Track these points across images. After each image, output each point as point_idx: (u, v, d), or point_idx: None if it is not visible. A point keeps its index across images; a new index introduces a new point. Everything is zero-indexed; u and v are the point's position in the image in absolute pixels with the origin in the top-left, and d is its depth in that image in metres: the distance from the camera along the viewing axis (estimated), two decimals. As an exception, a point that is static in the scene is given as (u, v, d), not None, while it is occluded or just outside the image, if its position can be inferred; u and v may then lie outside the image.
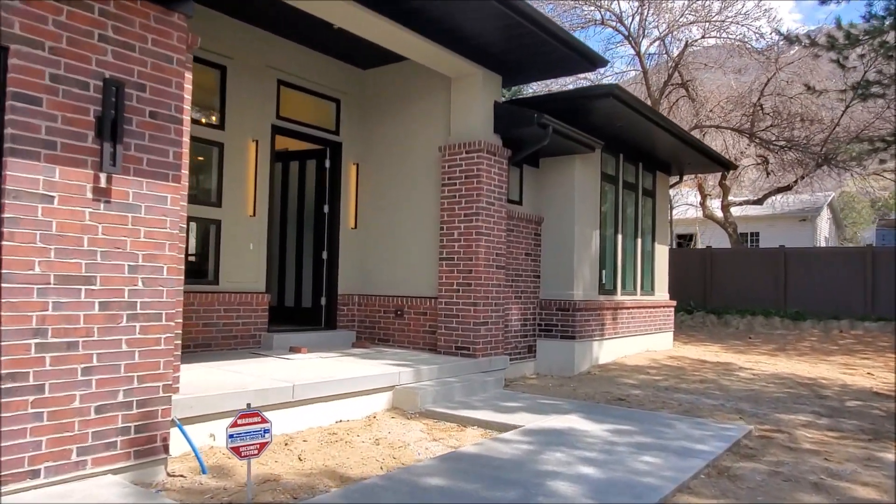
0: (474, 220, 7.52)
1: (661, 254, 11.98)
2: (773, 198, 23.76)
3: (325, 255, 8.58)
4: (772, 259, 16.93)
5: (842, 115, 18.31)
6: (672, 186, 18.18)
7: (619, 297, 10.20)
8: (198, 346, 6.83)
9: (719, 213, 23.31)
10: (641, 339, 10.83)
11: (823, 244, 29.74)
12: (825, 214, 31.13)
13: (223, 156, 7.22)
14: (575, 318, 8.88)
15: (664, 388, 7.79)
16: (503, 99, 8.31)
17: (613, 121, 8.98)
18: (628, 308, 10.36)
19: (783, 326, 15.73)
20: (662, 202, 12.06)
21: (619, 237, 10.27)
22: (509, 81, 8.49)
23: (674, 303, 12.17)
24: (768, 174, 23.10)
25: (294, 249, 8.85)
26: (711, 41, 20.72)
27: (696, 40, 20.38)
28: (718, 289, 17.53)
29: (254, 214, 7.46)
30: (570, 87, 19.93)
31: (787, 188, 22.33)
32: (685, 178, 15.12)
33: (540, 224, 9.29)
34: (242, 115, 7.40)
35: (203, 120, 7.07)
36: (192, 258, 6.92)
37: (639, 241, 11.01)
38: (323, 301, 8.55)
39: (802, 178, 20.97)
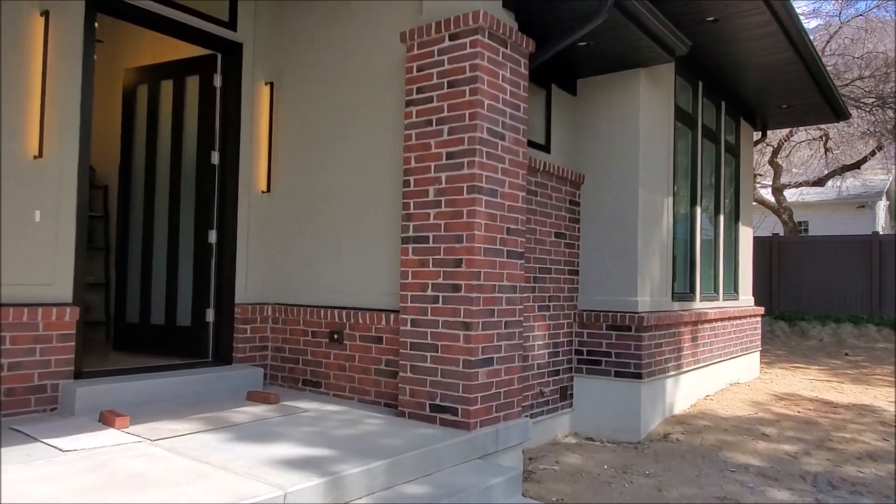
0: (466, 167, 3.93)
1: (746, 240, 8.33)
2: (830, 181, 20.00)
3: (212, 237, 5.02)
4: (860, 249, 13.20)
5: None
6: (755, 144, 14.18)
7: (698, 304, 6.56)
8: None
9: (769, 197, 19.60)
10: (725, 367, 7.19)
11: (881, 235, 25.81)
12: (882, 202, 27.23)
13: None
14: (640, 343, 5.27)
15: (827, 483, 4.17)
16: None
17: (703, 15, 5.36)
18: (711, 321, 6.73)
19: (883, 338, 12.01)
20: (746, 166, 8.40)
21: (698, 213, 6.64)
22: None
23: (761, 310, 8.52)
24: (827, 150, 19.38)
25: (162, 228, 5.28)
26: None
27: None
28: (788, 288, 13.84)
29: (40, 155, 3.89)
30: None
31: (856, 166, 18.53)
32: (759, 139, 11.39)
33: (578, 186, 5.68)
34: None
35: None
36: None
37: (721, 219, 7.36)
38: (210, 316, 4.99)
39: (880, 149, 17.19)
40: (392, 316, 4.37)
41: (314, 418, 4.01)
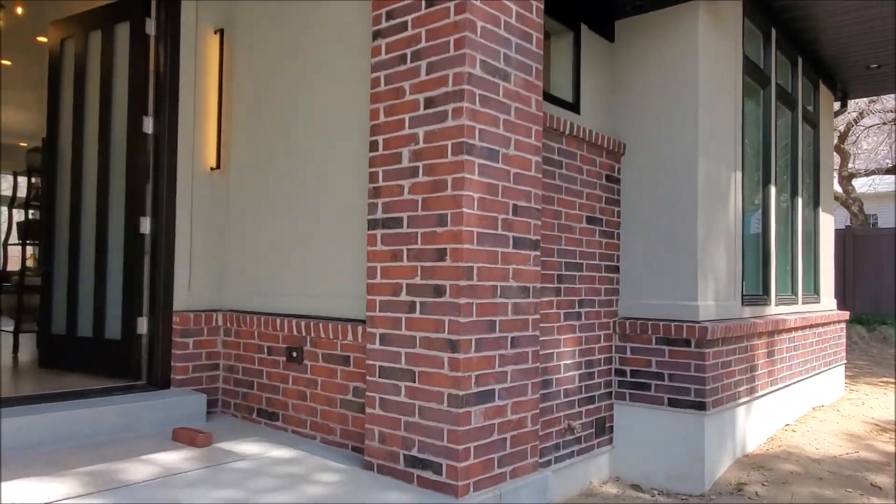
0: (450, 117, 2.73)
1: (827, 230, 6.89)
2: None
3: (145, 225, 3.94)
4: (951, 243, 11.46)
5: None
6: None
7: (773, 309, 5.20)
8: None
9: (836, 187, 17.76)
10: (807, 387, 5.80)
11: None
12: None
13: None
14: (703, 361, 3.97)
15: None
16: None
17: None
18: (790, 330, 5.36)
19: (985, 346, 10.29)
20: (826, 140, 6.96)
21: (772, 193, 5.27)
22: None
23: (845, 315, 7.04)
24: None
25: (90, 215, 4.23)
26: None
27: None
28: (864, 287, 12.19)
29: None
30: None
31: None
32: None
33: (618, 156, 4.41)
34: None
35: None
36: None
37: (799, 203, 5.97)
38: (143, 327, 3.91)
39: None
40: (361, 328, 3.21)
41: (246, 473, 2.87)
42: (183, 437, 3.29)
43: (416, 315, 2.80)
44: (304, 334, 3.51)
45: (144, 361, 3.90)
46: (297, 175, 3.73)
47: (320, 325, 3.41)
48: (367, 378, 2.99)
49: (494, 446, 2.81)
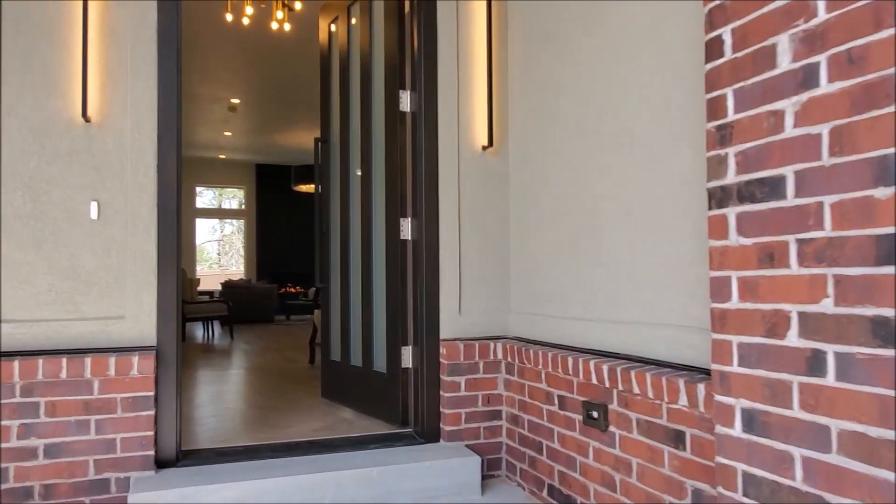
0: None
1: None
2: None
3: (406, 229, 3.09)
4: None
5: None
6: None
7: None
8: None
9: None
10: None
11: None
12: None
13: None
14: None
15: None
16: None
17: None
18: None
19: None
20: None
21: None
22: None
23: None
24: None
25: (356, 219, 3.56)
26: None
27: None
28: None
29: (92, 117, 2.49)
30: None
31: None
32: None
33: None
34: None
35: None
36: None
37: None
38: (408, 359, 3.07)
39: None
40: (703, 388, 1.79)
41: None
42: (436, 528, 2.28)
43: (829, 381, 1.29)
44: (607, 385, 2.21)
45: (413, 403, 3.05)
46: (602, 153, 2.46)
47: (632, 373, 2.07)
48: (720, 489, 1.56)
49: None
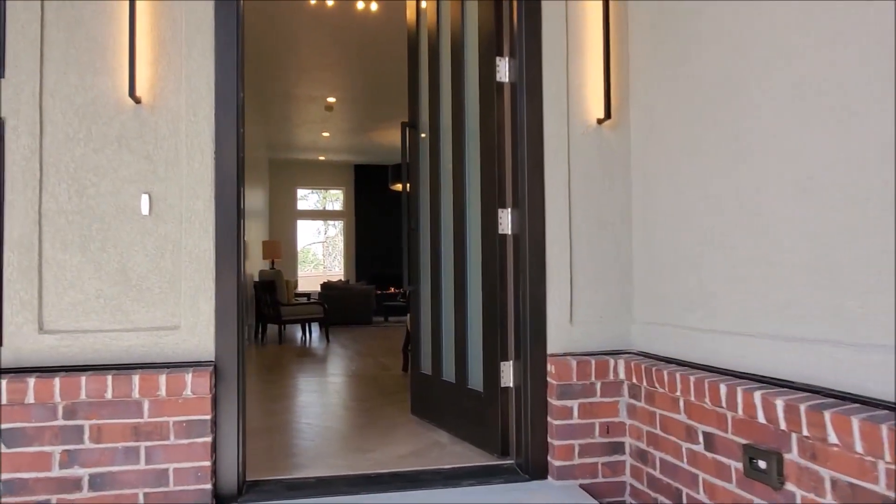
0: None
1: None
2: None
3: (506, 221, 2.59)
4: None
5: None
6: None
7: None
8: None
9: None
10: None
11: None
12: None
13: None
14: None
15: None
16: None
17: None
18: None
19: None
20: None
21: None
22: None
23: None
24: None
25: (448, 209, 3.10)
26: None
27: None
28: None
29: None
30: None
31: None
32: None
33: None
34: None
35: None
36: None
37: None
38: (508, 377, 2.56)
39: None
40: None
41: None
42: None
43: None
44: (782, 426, 1.61)
45: (513, 429, 2.55)
46: (758, 102, 1.87)
47: (826, 414, 1.47)
48: None
49: None
